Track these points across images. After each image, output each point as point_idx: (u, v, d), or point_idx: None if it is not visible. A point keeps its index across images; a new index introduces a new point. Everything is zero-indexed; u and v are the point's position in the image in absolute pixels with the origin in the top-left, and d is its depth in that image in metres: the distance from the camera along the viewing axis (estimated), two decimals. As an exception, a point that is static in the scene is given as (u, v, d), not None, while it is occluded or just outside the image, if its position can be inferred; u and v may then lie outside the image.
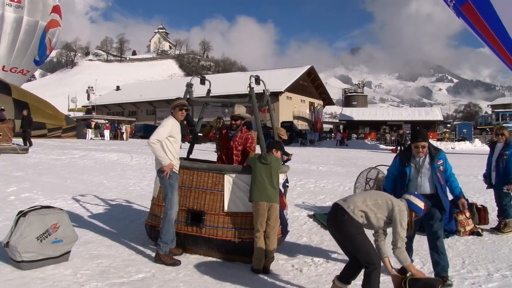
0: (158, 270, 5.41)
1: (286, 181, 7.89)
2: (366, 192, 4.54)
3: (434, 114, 66.46)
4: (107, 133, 38.38)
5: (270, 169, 5.63)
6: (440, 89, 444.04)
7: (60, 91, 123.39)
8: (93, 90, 73.27)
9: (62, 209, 5.69)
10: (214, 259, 5.96)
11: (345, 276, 4.48)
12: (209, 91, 7.21)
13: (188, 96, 6.69)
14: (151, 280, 5.10)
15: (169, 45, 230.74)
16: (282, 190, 6.37)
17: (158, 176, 5.86)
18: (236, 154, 6.54)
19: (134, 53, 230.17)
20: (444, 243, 5.34)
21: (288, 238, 6.90)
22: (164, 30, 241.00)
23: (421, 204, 4.38)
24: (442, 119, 68.09)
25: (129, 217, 8.20)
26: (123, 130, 38.40)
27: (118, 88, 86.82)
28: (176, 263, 5.65)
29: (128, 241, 6.63)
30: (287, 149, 8.16)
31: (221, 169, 6.04)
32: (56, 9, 25.04)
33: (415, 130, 5.36)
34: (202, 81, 7.09)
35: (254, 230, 5.62)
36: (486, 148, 37.10)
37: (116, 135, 38.85)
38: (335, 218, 4.28)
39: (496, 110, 60.29)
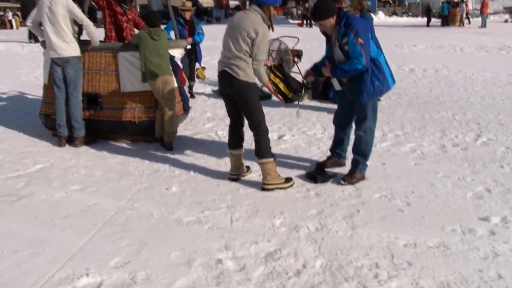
0: (57, 159, 5.22)
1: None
2: (230, 43, 4.06)
3: (340, -18, 66.27)
4: (-8, 21, 34.62)
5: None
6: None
7: None
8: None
9: None
10: (116, 142, 5.84)
11: (234, 141, 4.48)
12: None
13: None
14: (50, 169, 4.92)
15: None
16: (181, 66, 6.20)
17: (74, 62, 5.50)
18: (131, 29, 6.26)
19: None
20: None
21: (192, 114, 6.87)
22: None
23: None
24: (347, -12, 68.16)
25: (23, 109, 7.70)
26: (10, 18, 34.71)
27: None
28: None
29: (23, 133, 6.27)
30: None
31: (113, 48, 5.68)
32: None
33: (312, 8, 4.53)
34: None
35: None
36: (389, 20, 38.10)
37: (3, 23, 35.16)
38: (231, 83, 4.10)
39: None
